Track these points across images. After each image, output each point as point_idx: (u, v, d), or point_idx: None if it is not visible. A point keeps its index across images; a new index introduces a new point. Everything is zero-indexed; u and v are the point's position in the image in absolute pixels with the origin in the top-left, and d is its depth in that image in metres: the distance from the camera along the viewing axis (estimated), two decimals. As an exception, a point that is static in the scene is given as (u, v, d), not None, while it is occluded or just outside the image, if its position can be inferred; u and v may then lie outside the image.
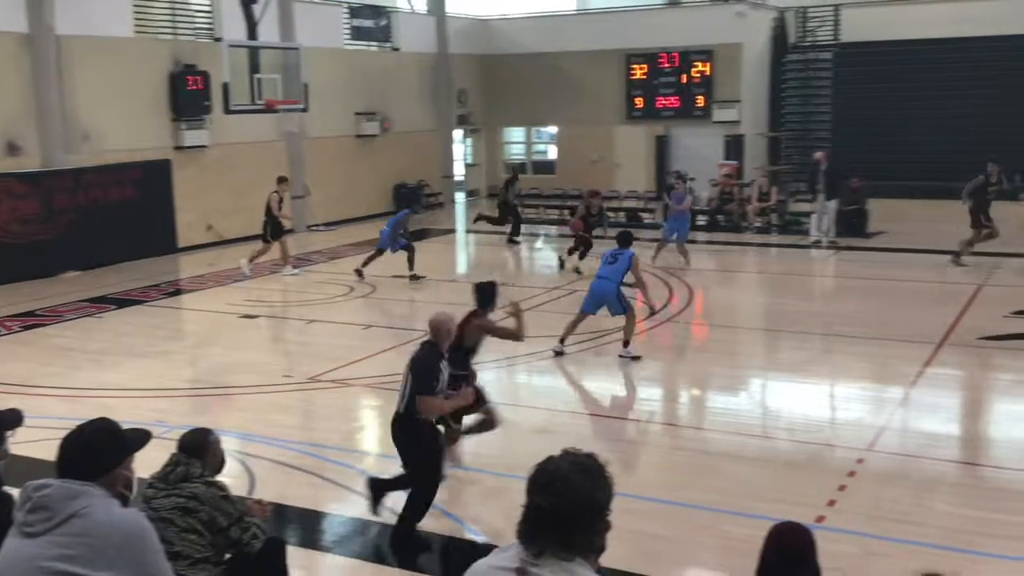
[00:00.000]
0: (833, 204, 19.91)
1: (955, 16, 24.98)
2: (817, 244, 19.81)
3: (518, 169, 22.53)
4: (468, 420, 7.90)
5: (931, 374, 10.56)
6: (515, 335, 8.21)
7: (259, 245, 17.02)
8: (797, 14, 26.85)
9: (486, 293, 8.02)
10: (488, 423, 7.95)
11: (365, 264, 16.30)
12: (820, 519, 6.75)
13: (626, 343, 11.28)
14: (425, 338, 6.96)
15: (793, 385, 10.95)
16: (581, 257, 17.11)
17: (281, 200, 16.94)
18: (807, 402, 10.26)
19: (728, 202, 22.68)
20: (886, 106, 24.60)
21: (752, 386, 11.06)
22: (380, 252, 16.37)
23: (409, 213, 17.02)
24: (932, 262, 17.29)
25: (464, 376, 7.50)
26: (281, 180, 17.27)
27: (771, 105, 26.56)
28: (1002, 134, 23.13)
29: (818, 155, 20.44)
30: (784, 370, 11.42)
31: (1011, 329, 12.28)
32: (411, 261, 16.38)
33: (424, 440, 6.61)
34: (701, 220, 22.20)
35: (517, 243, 20.84)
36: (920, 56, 24.56)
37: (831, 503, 7.14)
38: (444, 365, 6.76)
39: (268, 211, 16.79)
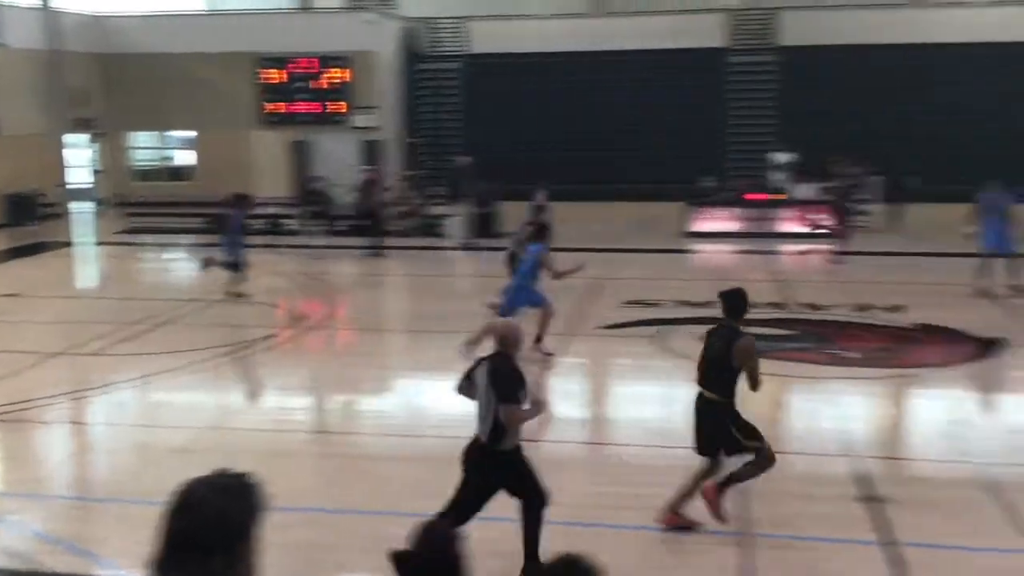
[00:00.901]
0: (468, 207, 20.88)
1: (574, 30, 27.22)
2: (454, 246, 20.64)
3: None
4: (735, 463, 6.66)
5: (558, 362, 11.38)
6: (757, 383, 6.66)
7: None
8: (428, 25, 27.79)
9: (737, 302, 6.76)
10: (761, 463, 6.68)
11: None
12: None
13: (538, 338, 11.26)
14: (493, 351, 6.27)
15: (437, 383, 11.30)
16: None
17: None
18: (451, 399, 10.64)
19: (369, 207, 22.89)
20: (517, 113, 26.19)
21: (398, 387, 11.30)
22: None
23: None
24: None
25: None
26: None
27: (407, 112, 27.28)
28: (628, 142, 25.49)
29: (464, 160, 21.29)
30: (428, 369, 11.75)
31: (626, 318, 13.56)
32: None
33: (517, 467, 6.10)
34: (342, 226, 22.32)
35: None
36: (548, 67, 26.41)
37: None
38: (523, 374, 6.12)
39: None
